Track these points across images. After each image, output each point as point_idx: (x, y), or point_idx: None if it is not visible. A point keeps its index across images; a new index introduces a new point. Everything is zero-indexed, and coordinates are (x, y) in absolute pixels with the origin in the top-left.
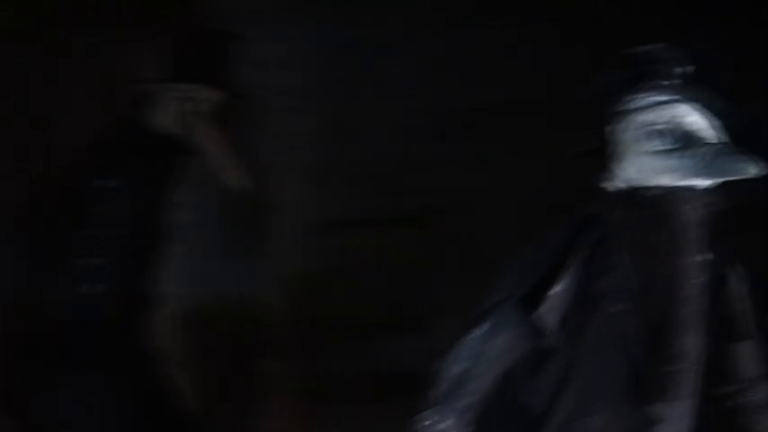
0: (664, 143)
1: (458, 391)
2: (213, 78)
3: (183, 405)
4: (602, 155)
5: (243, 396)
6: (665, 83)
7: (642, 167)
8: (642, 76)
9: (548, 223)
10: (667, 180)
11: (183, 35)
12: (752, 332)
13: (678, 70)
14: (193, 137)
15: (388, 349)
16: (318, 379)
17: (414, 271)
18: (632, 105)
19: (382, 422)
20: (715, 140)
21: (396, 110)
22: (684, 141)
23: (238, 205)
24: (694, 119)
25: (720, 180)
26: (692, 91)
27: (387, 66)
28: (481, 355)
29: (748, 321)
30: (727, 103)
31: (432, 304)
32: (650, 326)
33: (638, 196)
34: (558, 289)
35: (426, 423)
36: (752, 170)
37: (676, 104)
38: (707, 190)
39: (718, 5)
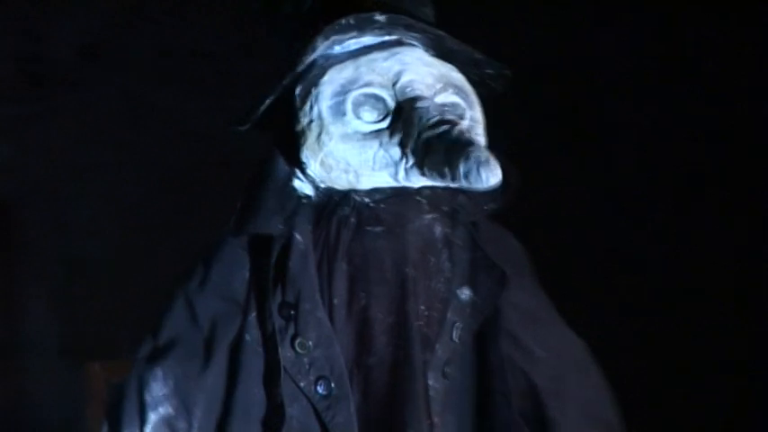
0: (372, 117)
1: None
2: None
3: None
4: (279, 132)
5: None
6: (378, 17)
7: (341, 158)
8: (341, 4)
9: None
10: (377, 180)
11: None
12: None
13: None
14: None
15: None
16: None
17: None
18: (324, 52)
19: None
20: (450, 118)
21: None
22: (403, 116)
23: None
24: (423, 78)
25: (442, 184)
26: (426, 30)
27: None
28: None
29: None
30: (488, 56)
31: (11, 334)
32: (373, 415)
33: (335, 206)
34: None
35: None
36: (485, 180)
37: (397, 52)
38: (446, 194)
39: None
